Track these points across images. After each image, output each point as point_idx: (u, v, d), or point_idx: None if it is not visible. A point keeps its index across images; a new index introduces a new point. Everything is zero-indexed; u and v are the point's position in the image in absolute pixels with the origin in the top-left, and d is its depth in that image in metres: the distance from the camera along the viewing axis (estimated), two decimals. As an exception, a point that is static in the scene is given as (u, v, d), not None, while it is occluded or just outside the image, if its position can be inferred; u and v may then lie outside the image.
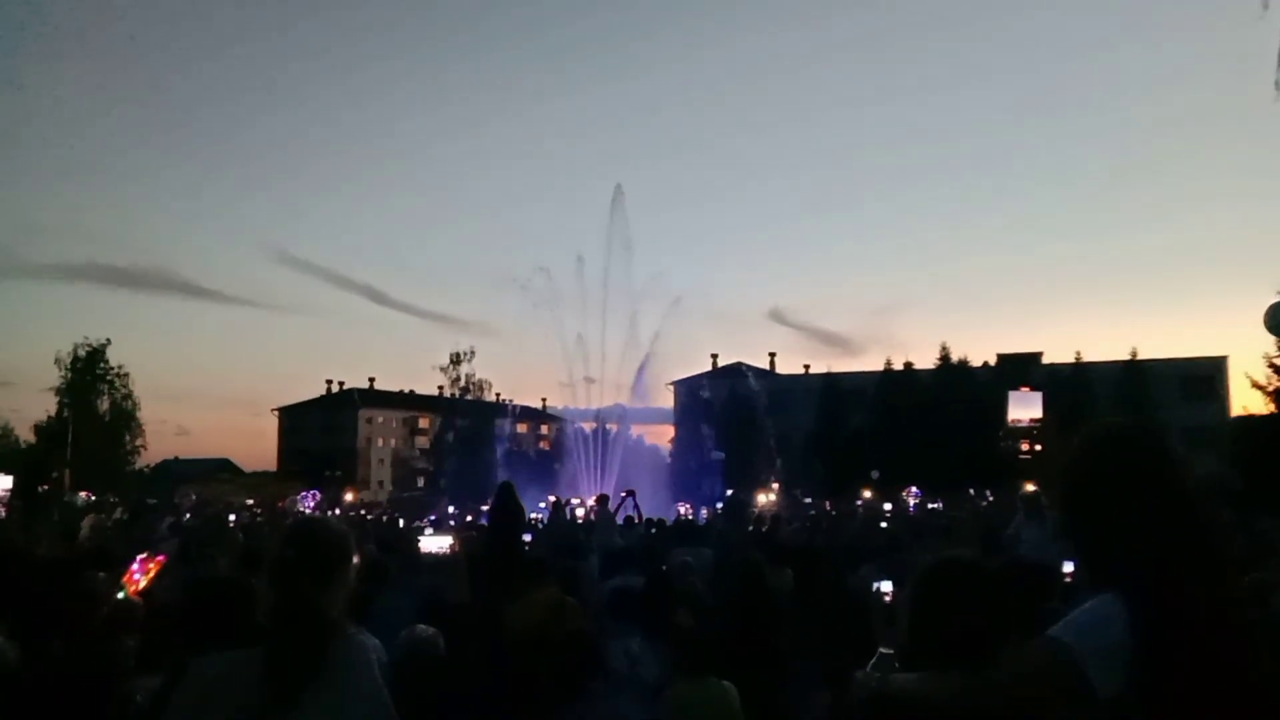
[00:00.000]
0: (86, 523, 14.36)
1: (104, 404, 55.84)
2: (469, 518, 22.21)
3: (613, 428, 32.58)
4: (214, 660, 2.63)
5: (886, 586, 7.77)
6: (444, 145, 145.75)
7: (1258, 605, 4.26)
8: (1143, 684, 1.94)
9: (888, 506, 24.73)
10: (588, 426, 33.16)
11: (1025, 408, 38.10)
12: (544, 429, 72.13)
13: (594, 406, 33.47)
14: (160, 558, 4.44)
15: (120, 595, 4.12)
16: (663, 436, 52.74)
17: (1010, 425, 36.00)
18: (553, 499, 21.02)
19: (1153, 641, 1.94)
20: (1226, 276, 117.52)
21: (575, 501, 21.81)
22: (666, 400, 52.20)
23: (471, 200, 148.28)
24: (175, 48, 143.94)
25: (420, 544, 7.04)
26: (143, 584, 4.24)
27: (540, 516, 18.98)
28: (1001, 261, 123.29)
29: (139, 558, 4.30)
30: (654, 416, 43.93)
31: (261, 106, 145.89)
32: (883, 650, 2.46)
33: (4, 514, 16.08)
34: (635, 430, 36.31)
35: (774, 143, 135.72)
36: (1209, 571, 2.07)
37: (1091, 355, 57.78)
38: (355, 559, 2.88)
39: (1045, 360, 59.18)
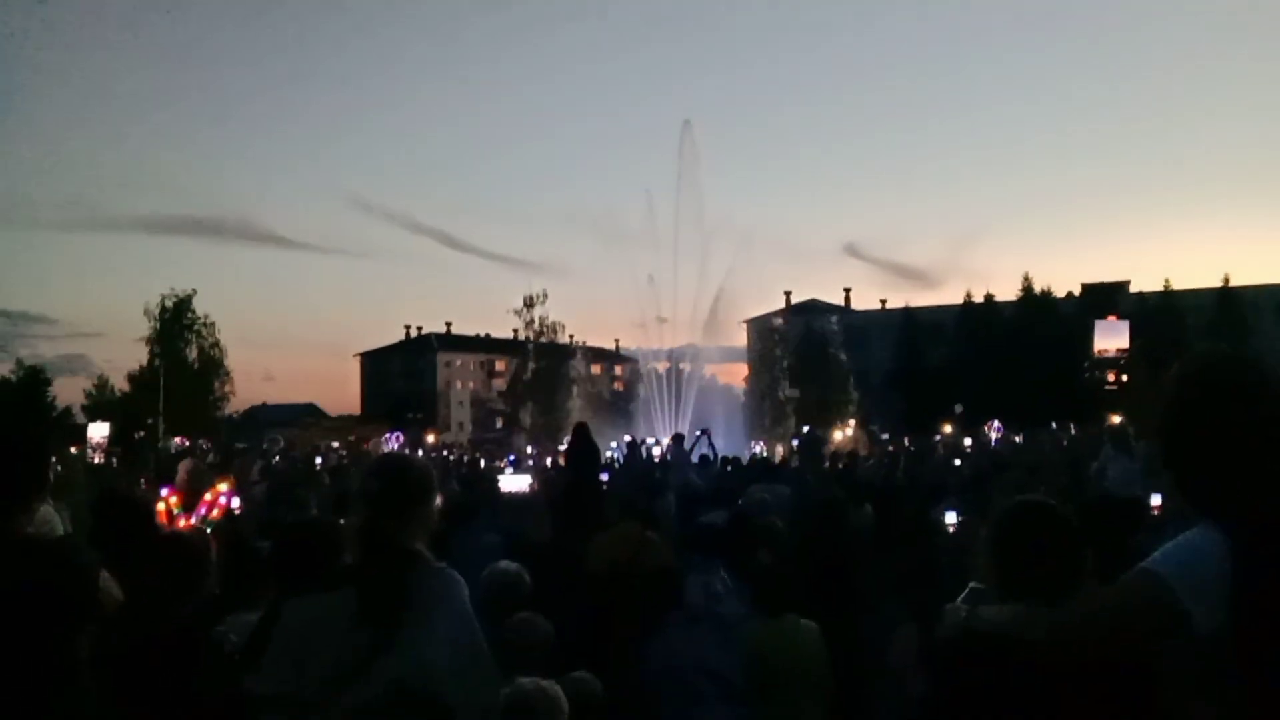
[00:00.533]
0: (183, 467, 14.84)
1: (193, 353, 57.48)
2: (547, 458, 22.51)
3: (686, 367, 32.57)
4: (308, 602, 2.67)
5: (951, 518, 7.67)
6: (512, 87, 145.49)
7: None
8: (1243, 618, 1.86)
9: (968, 442, 24.38)
10: (661, 367, 33.22)
11: (1111, 337, 36.82)
12: (618, 370, 72.56)
13: (667, 346, 33.50)
14: (224, 489, 4.54)
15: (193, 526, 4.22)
16: (737, 375, 52.61)
17: (1096, 356, 34.85)
18: (628, 439, 21.17)
19: (1254, 575, 1.86)
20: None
21: (650, 441, 21.94)
22: (740, 339, 51.95)
23: (540, 141, 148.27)
24: (249, 6, 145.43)
25: (500, 483, 7.12)
26: (215, 515, 4.35)
27: (616, 456, 19.14)
28: (1085, 186, 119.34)
29: (204, 497, 4.41)
30: (727, 355, 43.79)
31: (333, 55, 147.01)
32: (974, 585, 2.43)
33: (101, 460, 16.75)
34: (709, 370, 36.29)
35: (845, 72, 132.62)
36: None
37: (1181, 283, 56.00)
38: (438, 496, 2.91)
39: (1133, 289, 57.47)
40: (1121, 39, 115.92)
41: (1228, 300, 53.59)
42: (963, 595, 2.41)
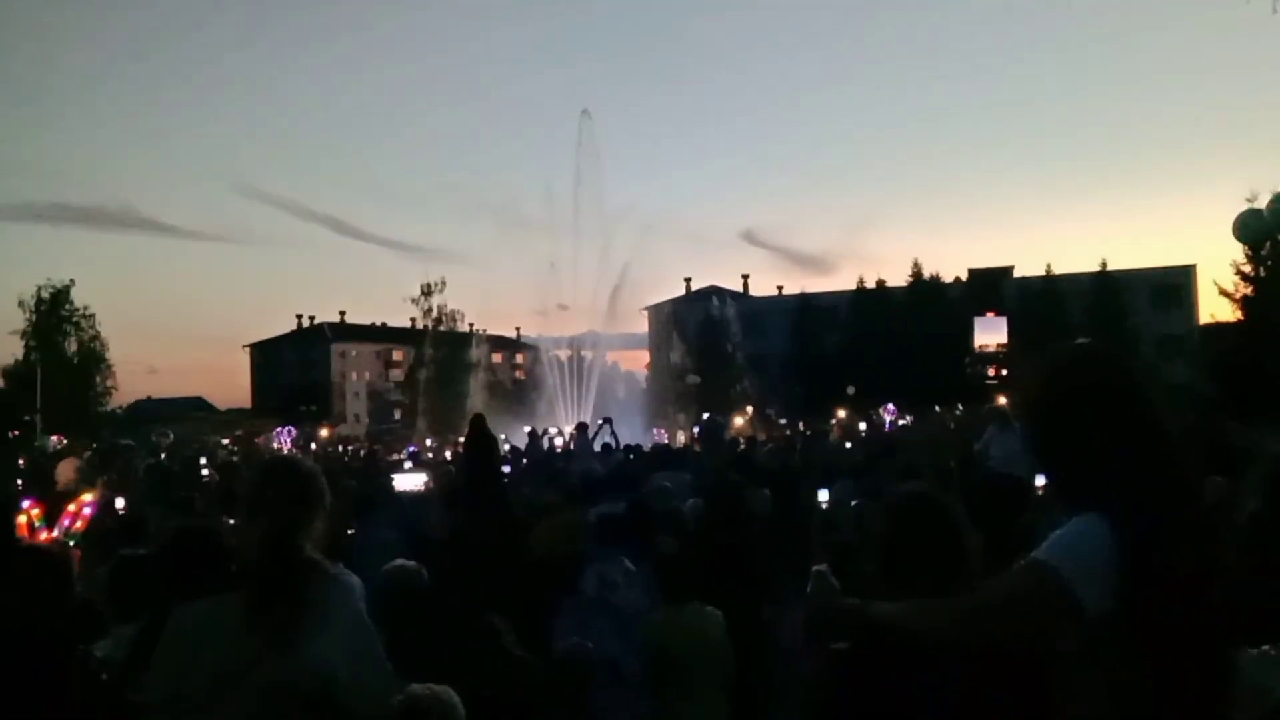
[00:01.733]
0: (66, 466, 14.08)
1: (71, 346, 55.09)
2: (446, 451, 22.23)
3: (588, 355, 32.54)
4: (197, 607, 2.62)
5: (823, 495, 7.85)
6: (406, 71, 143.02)
7: (1227, 512, 4.33)
8: (1131, 602, 1.94)
9: (863, 426, 24.95)
10: (563, 354, 33.11)
11: (991, 333, 38.50)
12: (519, 358, 72.06)
13: (568, 334, 33.41)
14: (88, 499, 4.34)
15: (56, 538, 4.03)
16: (638, 362, 52.88)
17: (977, 351, 36.31)
18: (529, 429, 21.04)
19: (1140, 561, 1.95)
20: (1195, 185, 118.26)
21: (553, 431, 21.84)
22: (641, 325, 52.14)
23: (436, 127, 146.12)
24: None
25: (395, 482, 7.00)
26: (79, 527, 4.15)
27: (519, 446, 19.01)
28: (972, 173, 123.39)
29: (68, 507, 4.20)
30: (629, 342, 43.92)
31: (218, 38, 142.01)
32: (816, 568, 2.36)
33: None
34: (610, 356, 36.34)
35: (742, 62, 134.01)
36: (1183, 488, 2.07)
37: (1062, 267, 58.23)
38: (327, 496, 2.86)
39: (1016, 274, 59.54)
40: (1002, 31, 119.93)
41: (1105, 284, 55.90)
42: (810, 583, 2.33)
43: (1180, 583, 1.95)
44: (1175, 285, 57.84)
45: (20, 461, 20.23)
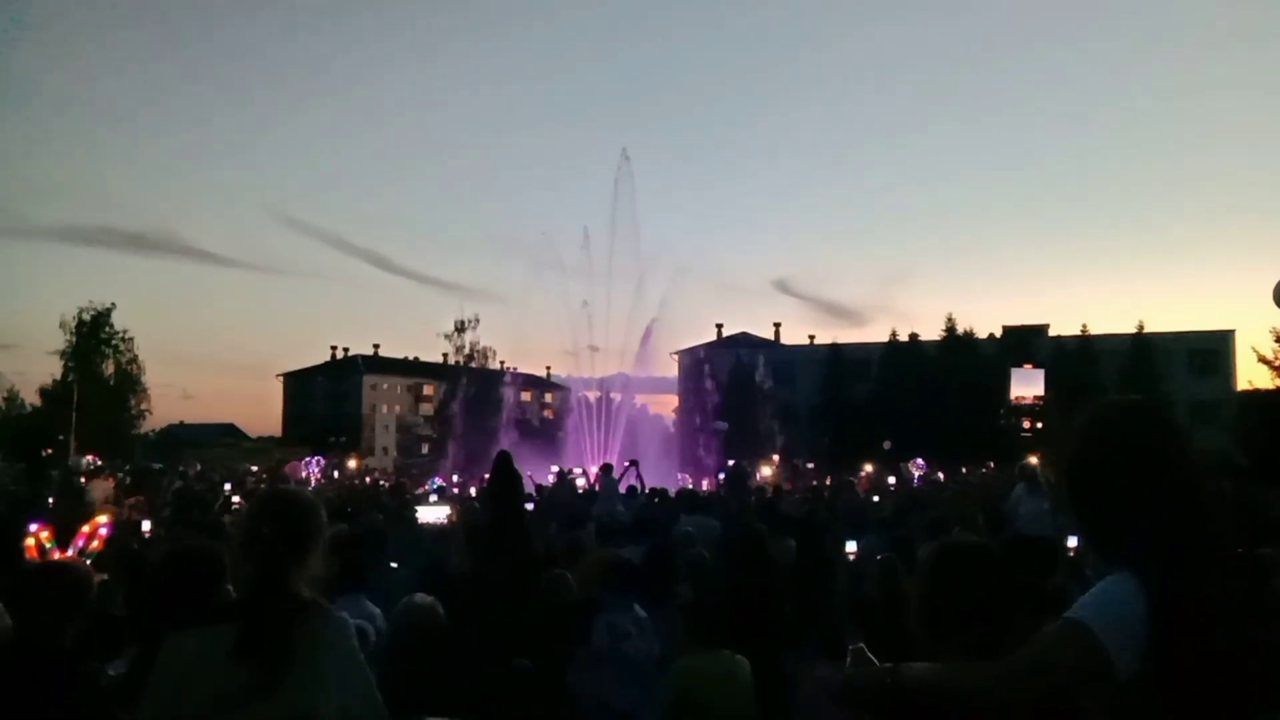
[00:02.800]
0: (103, 485, 14.16)
1: (109, 368, 55.88)
2: (471, 487, 22.24)
3: (616, 397, 32.53)
4: (189, 638, 2.59)
5: (851, 547, 7.75)
6: (448, 112, 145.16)
7: (1261, 582, 4.23)
8: (1161, 664, 1.91)
9: (891, 480, 24.70)
10: (592, 395, 33.12)
11: (1028, 385, 37.95)
12: (548, 397, 72.26)
13: (598, 375, 33.44)
14: (104, 521, 4.34)
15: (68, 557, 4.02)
16: (666, 406, 52.72)
17: (1013, 403, 35.85)
18: (556, 469, 21.02)
19: (1170, 622, 1.91)
20: (1234, 250, 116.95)
21: (577, 471, 21.80)
22: (670, 370, 52.12)
23: (476, 167, 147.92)
24: (180, 12, 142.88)
25: (419, 514, 6.98)
26: (95, 547, 4.15)
27: (544, 484, 18.98)
28: (1008, 232, 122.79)
29: (83, 529, 4.20)
30: (658, 386, 43.84)
31: (266, 71, 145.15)
32: (853, 647, 2.36)
33: None
34: (639, 400, 36.30)
35: (780, 112, 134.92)
36: (1216, 551, 2.03)
37: (1098, 328, 57.67)
38: (326, 533, 2.83)
39: (1051, 333, 59.01)
40: (1043, 90, 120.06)
41: (1141, 346, 55.26)
42: (849, 660, 2.33)
43: (1211, 648, 1.92)
44: (1212, 350, 57.04)
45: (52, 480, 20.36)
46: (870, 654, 2.34)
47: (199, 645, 2.55)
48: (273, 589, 2.58)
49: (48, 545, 3.99)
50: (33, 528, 4.08)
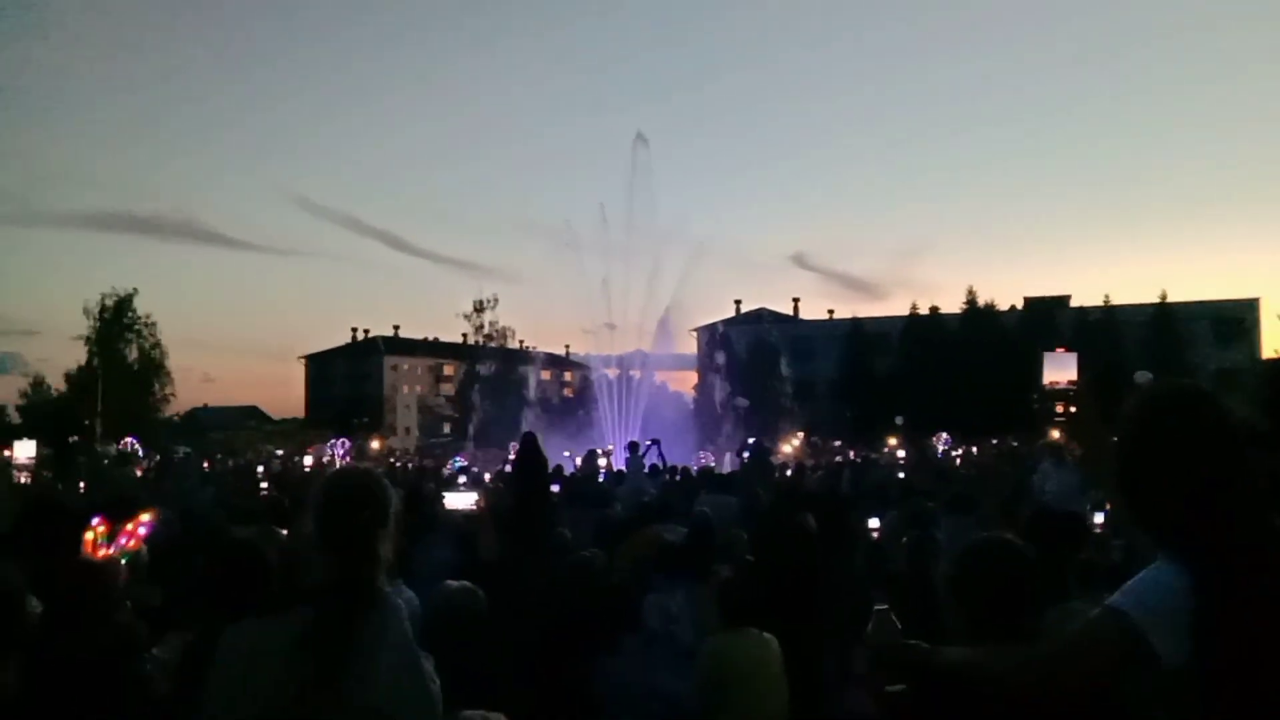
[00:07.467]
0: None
1: (132, 353, 56.31)
2: (494, 468, 22.29)
3: (636, 374, 32.52)
4: (249, 629, 2.59)
5: (874, 523, 7.75)
6: (463, 90, 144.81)
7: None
8: (1206, 653, 1.91)
9: (901, 455, 24.62)
10: (611, 373, 33.13)
11: (1061, 369, 37.78)
12: (567, 376, 72.33)
13: (616, 353, 33.42)
14: (146, 519, 4.37)
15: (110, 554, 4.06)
16: (686, 383, 52.68)
17: (1046, 388, 35.73)
18: (567, 454, 20.97)
19: (1214, 610, 1.91)
20: (1259, 217, 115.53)
21: (599, 451, 21.84)
22: (689, 347, 52.02)
23: (492, 146, 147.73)
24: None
25: (445, 501, 6.99)
26: (133, 545, 4.18)
27: (565, 467, 18.99)
28: (1029, 201, 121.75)
29: (126, 525, 4.22)
30: (677, 363, 43.81)
31: (283, 55, 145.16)
32: (878, 608, 2.36)
33: (29, 480, 15.94)
34: (658, 377, 36.26)
35: (796, 85, 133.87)
36: (1264, 541, 2.02)
37: (1120, 298, 57.20)
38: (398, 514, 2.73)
39: (1073, 303, 58.54)
40: (1065, 62, 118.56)
41: (1165, 316, 54.80)
42: (871, 622, 2.36)
43: (1259, 636, 1.91)
44: (1237, 318, 56.48)
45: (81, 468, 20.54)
46: (894, 618, 2.35)
47: (258, 638, 2.54)
48: (353, 584, 2.50)
49: (101, 540, 4.03)
50: (94, 520, 4.10)
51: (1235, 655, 1.90)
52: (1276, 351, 47.11)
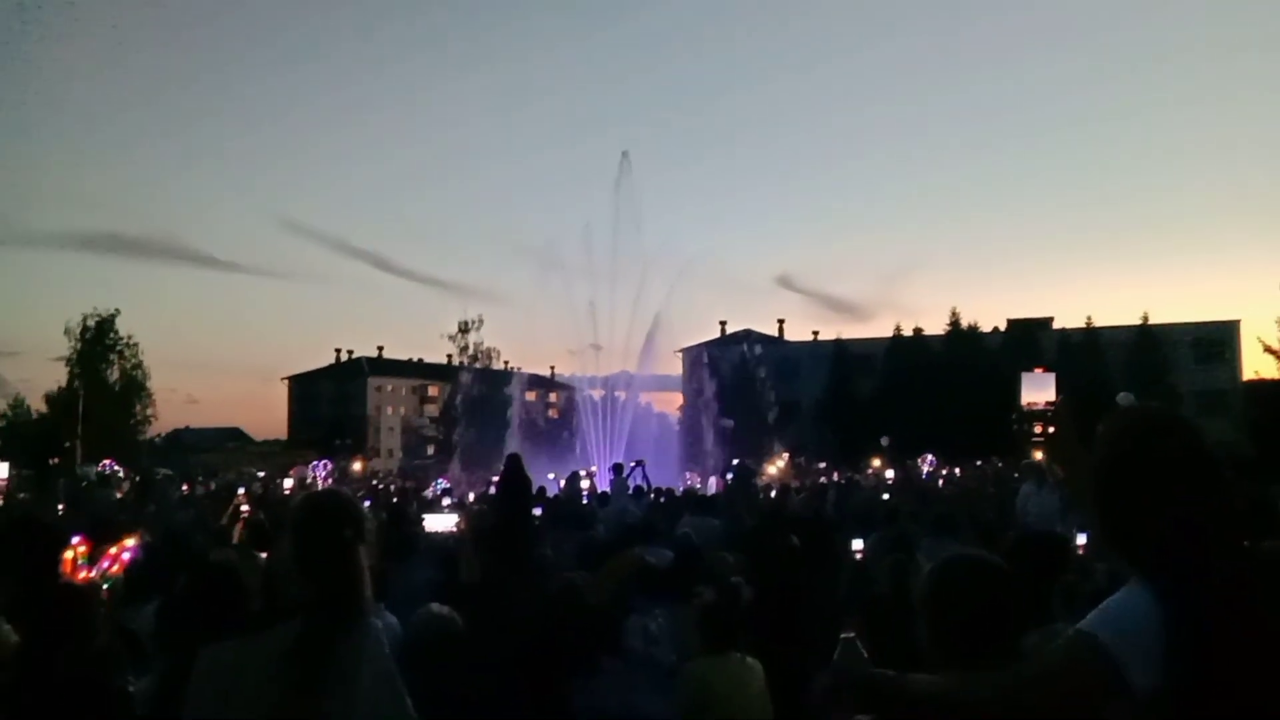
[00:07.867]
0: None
1: (114, 374, 55.90)
2: (478, 489, 22.21)
3: (621, 395, 32.51)
4: (225, 651, 2.57)
5: (857, 544, 7.74)
6: (448, 112, 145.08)
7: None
8: (1180, 677, 1.89)
9: (890, 475, 24.67)
10: (596, 394, 33.10)
11: (1038, 389, 38.05)
12: (553, 397, 72.21)
13: (602, 374, 33.40)
14: (130, 544, 4.33)
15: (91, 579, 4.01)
16: (671, 404, 52.73)
17: (1025, 409, 35.97)
18: (552, 476, 20.93)
19: (1189, 634, 1.90)
20: (1239, 240, 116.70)
21: (581, 473, 21.81)
22: (675, 368, 52.07)
23: (476, 166, 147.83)
24: (180, 16, 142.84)
25: (425, 523, 6.97)
26: (116, 570, 4.13)
27: (548, 489, 18.95)
28: (1012, 224, 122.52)
29: (109, 550, 4.17)
30: (662, 384, 43.84)
31: (265, 74, 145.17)
32: (844, 636, 2.27)
33: (1, 502, 15.73)
34: (643, 398, 36.26)
35: (780, 108, 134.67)
36: (1240, 562, 2.02)
37: (1102, 320, 57.53)
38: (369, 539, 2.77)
39: (1056, 325, 58.88)
40: (1048, 86, 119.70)
41: (1146, 337, 55.15)
42: (838, 651, 2.26)
43: (1229, 661, 1.90)
44: (1218, 340, 56.94)
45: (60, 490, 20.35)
46: (861, 646, 2.26)
47: (235, 659, 2.52)
48: (337, 603, 2.51)
49: (81, 561, 3.97)
50: (74, 540, 4.05)
51: (1206, 680, 1.89)
52: (1256, 373, 47.55)
